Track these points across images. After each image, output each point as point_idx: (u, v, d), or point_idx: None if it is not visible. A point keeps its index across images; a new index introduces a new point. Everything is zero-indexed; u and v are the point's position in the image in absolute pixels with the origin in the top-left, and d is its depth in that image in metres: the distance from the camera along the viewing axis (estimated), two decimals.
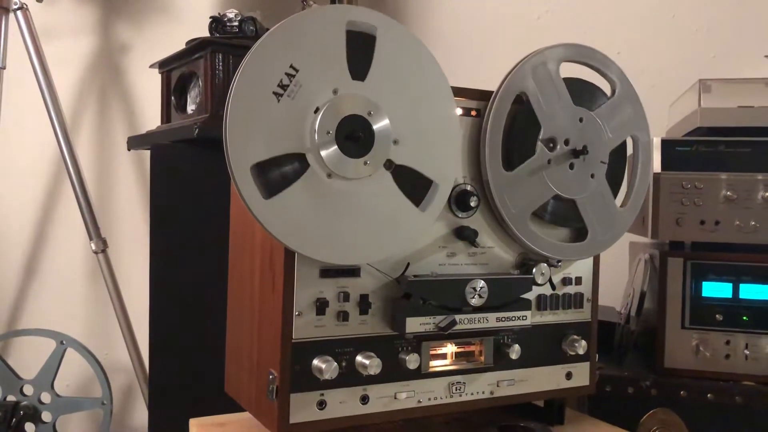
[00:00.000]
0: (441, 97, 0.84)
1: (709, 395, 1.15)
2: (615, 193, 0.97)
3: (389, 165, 0.81)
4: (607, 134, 0.95)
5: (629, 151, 1.00)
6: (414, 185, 0.82)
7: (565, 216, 0.94)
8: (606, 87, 0.97)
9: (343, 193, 0.78)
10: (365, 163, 0.79)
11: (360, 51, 0.79)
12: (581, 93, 0.94)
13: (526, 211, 0.91)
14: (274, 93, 0.74)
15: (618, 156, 0.97)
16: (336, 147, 0.77)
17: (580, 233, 0.96)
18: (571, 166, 0.92)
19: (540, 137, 0.90)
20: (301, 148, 0.76)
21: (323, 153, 0.76)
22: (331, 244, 0.78)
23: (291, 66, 0.75)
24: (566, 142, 0.92)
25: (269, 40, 0.74)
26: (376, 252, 0.81)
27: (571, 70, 0.94)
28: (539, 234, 0.92)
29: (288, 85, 0.75)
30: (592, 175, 0.94)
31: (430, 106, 0.83)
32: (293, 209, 0.75)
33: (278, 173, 0.75)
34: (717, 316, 1.18)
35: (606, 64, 0.96)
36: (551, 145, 0.91)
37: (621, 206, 0.98)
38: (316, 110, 0.76)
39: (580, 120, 0.93)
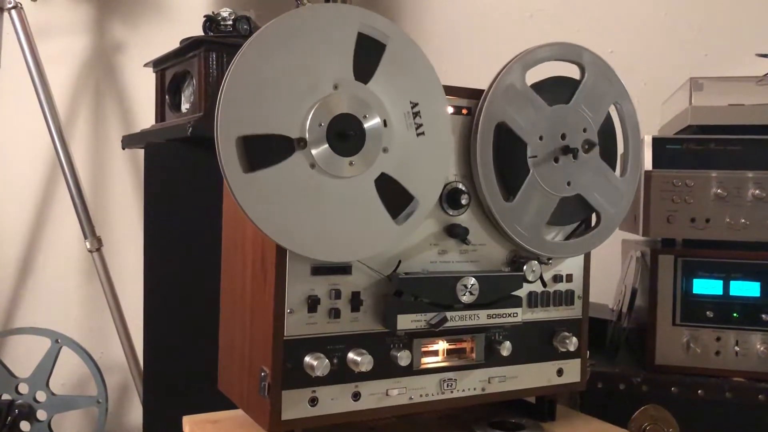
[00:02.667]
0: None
1: (699, 391, 1.16)
2: (613, 167, 0.98)
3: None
4: (589, 116, 0.94)
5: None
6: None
7: (574, 210, 0.95)
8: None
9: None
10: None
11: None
12: (554, 90, 0.93)
13: (540, 225, 0.93)
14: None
15: (606, 131, 0.97)
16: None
17: (591, 220, 0.97)
18: (566, 165, 0.93)
19: (528, 155, 0.91)
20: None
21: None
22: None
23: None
24: (554, 145, 0.92)
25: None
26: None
27: (565, 70, 0.94)
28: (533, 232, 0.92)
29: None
30: (588, 162, 0.94)
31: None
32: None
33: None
34: (707, 312, 1.19)
35: (570, 51, 0.94)
36: (542, 156, 0.91)
37: (621, 176, 0.98)
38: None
39: (560, 118, 0.92)
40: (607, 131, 0.97)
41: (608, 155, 0.97)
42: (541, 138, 0.91)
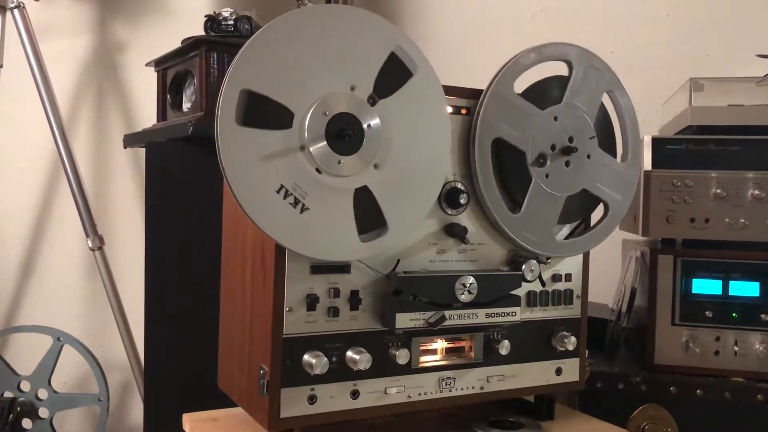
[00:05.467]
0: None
1: (698, 391, 1.16)
2: (614, 154, 0.98)
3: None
4: (583, 110, 0.94)
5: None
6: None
7: (580, 206, 0.96)
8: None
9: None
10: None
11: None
12: (544, 93, 0.93)
13: (551, 228, 0.93)
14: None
15: (603, 121, 0.97)
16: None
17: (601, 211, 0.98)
18: (567, 164, 0.93)
19: (529, 163, 0.91)
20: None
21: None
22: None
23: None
24: (552, 148, 0.93)
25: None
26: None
27: (560, 70, 0.94)
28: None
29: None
30: (589, 156, 0.95)
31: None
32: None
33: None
34: (707, 312, 1.19)
35: (555, 51, 0.93)
36: (542, 161, 0.92)
37: (622, 161, 0.99)
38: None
39: (555, 119, 0.93)
40: (603, 121, 0.97)
41: (608, 144, 0.97)
42: (538, 143, 0.91)
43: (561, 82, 0.94)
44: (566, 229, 0.98)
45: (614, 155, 0.98)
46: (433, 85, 0.84)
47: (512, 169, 0.91)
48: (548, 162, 0.92)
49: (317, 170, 0.78)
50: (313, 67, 0.77)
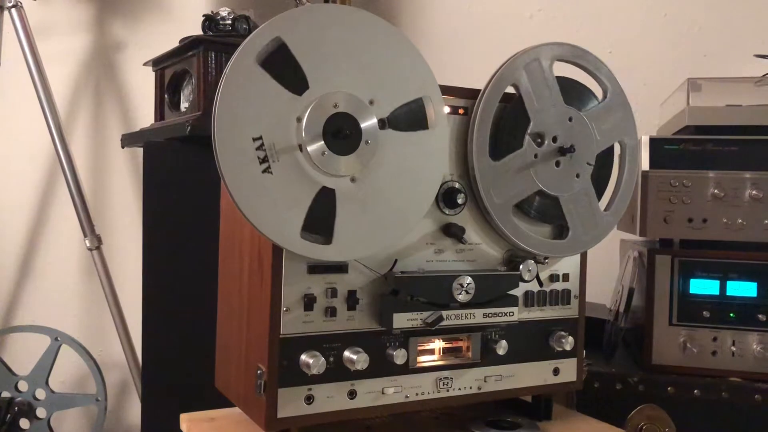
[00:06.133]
0: (383, 34, 0.83)
1: (696, 391, 1.16)
2: (599, 197, 0.98)
3: (383, 124, 0.81)
4: (596, 136, 0.95)
5: (616, 156, 1.00)
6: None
7: (549, 213, 0.95)
8: (597, 89, 0.98)
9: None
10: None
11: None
12: (572, 93, 0.94)
13: (509, 202, 0.91)
14: (264, 171, 0.76)
15: (605, 161, 0.98)
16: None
17: (562, 231, 0.97)
18: (558, 164, 0.93)
19: (528, 131, 0.91)
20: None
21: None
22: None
23: (253, 139, 0.75)
24: (554, 140, 0.93)
25: (220, 134, 0.74)
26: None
27: (561, 69, 0.94)
28: (524, 229, 0.92)
29: (266, 155, 0.75)
30: (578, 175, 0.95)
31: (376, 49, 0.82)
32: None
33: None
34: (704, 312, 1.19)
35: (598, 67, 0.96)
36: (539, 140, 0.92)
37: (605, 210, 0.98)
38: (300, 148, 0.77)
39: (570, 119, 0.93)
40: (604, 160, 0.98)
41: (598, 183, 0.97)
42: (545, 123, 0.91)
43: (589, 95, 0.95)
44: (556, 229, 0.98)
45: (599, 197, 0.98)
46: (441, 146, 0.85)
47: (512, 125, 0.90)
48: (544, 146, 0.92)
49: (300, 147, 0.77)
50: (348, 64, 0.79)
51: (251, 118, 0.74)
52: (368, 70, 0.80)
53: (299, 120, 0.77)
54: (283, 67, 0.76)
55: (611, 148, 0.98)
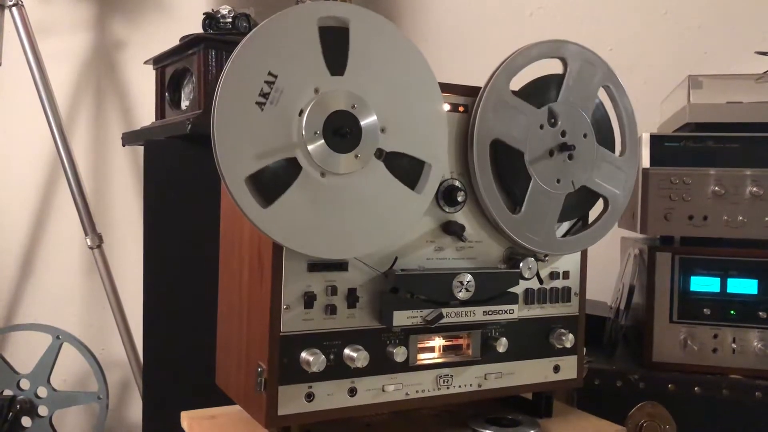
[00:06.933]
0: (422, 81, 0.84)
1: (696, 389, 1.16)
2: (611, 149, 0.98)
3: (380, 154, 0.81)
4: (579, 106, 0.94)
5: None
6: (407, 169, 0.83)
7: (579, 202, 0.96)
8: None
9: (339, 189, 0.79)
10: (356, 156, 0.79)
11: (335, 46, 0.79)
12: (540, 91, 0.93)
13: (551, 227, 0.93)
14: (257, 103, 0.74)
15: (600, 118, 0.97)
16: (325, 145, 0.78)
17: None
18: (565, 161, 0.93)
19: (527, 161, 0.91)
20: (291, 152, 0.76)
21: (312, 152, 0.77)
22: (333, 240, 0.79)
23: (269, 73, 0.75)
24: (551, 147, 0.92)
25: (244, 50, 0.74)
26: (378, 241, 0.82)
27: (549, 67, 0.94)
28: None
29: (269, 93, 0.75)
30: (586, 152, 0.94)
31: (412, 90, 0.83)
32: (293, 212, 0.76)
33: (273, 180, 0.75)
34: (705, 310, 1.19)
35: (550, 49, 0.93)
36: (540, 159, 0.91)
37: (620, 155, 0.99)
38: (300, 112, 0.77)
39: (551, 117, 0.92)
40: (600, 116, 0.97)
41: (605, 139, 0.97)
42: (536, 142, 0.91)
43: (557, 79, 0.94)
44: (565, 226, 0.98)
45: (612, 150, 0.98)
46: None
47: (511, 168, 0.91)
48: (547, 160, 0.92)
49: (300, 112, 0.76)
50: (382, 83, 0.80)
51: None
52: (397, 100, 0.81)
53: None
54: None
55: (601, 105, 0.97)
